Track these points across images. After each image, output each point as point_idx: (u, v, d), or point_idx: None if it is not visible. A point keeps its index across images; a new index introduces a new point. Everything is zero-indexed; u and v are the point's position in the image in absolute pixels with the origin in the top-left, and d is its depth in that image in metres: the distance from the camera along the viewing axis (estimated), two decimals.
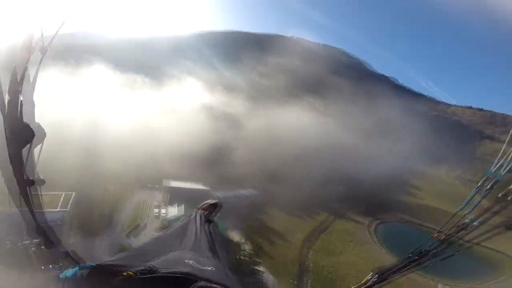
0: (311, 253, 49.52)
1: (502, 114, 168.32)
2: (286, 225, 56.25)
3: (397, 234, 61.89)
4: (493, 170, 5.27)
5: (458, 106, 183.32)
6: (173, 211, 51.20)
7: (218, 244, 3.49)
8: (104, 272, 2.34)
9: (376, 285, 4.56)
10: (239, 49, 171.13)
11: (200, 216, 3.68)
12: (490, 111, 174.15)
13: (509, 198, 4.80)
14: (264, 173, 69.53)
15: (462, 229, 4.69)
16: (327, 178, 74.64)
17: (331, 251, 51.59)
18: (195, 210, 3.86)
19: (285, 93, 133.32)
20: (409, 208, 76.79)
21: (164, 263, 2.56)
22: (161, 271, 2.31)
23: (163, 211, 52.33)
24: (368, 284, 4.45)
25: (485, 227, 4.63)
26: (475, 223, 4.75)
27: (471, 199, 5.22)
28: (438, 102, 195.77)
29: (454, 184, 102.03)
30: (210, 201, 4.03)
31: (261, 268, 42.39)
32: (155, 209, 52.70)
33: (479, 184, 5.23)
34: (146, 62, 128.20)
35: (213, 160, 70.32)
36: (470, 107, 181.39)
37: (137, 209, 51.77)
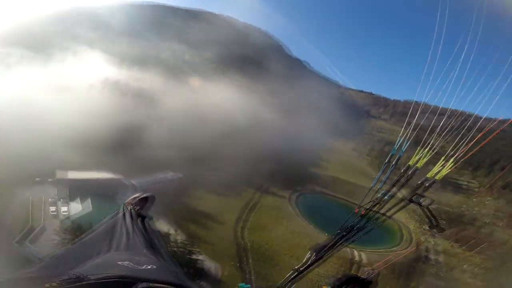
0: (246, 232, 49.52)
1: (384, 97, 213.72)
2: (216, 207, 54.48)
3: (314, 205, 67.78)
4: (396, 148, 5.61)
5: (354, 90, 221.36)
6: (77, 207, 43.23)
7: (156, 240, 3.21)
8: (24, 285, 2.07)
9: (315, 263, 4.46)
10: (161, 22, 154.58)
11: (130, 212, 3.32)
12: (376, 94, 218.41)
13: (409, 172, 5.15)
14: (188, 154, 65.13)
15: (377, 203, 4.93)
16: (251, 155, 75.89)
17: (262, 227, 52.49)
18: (122, 206, 3.47)
19: (209, 70, 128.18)
20: (320, 179, 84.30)
21: (93, 268, 2.25)
22: (91, 278, 1.98)
23: (63, 208, 43.61)
24: (308, 263, 4.50)
25: (393, 201, 4.93)
26: (386, 197, 5.02)
27: (381, 174, 5.48)
28: (339, 86, 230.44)
29: (351, 155, 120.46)
30: (141, 195, 3.67)
31: (200, 257, 40.13)
32: (51, 207, 43.38)
33: (386, 160, 5.50)
34: (31, 35, 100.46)
35: (124, 144, 61.06)
36: (362, 91, 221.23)
37: (28, 209, 41.48)
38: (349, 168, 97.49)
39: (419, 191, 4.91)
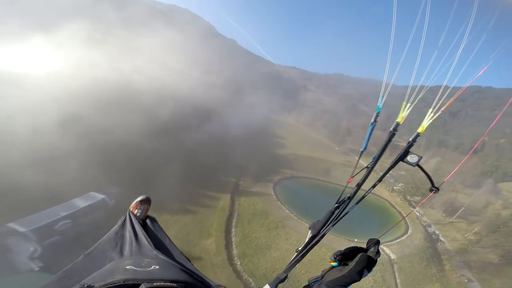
0: (237, 261, 36.15)
1: (314, 72, 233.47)
2: (182, 231, 38.19)
3: (301, 197, 56.38)
4: (380, 106, 5.10)
5: (285, 66, 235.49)
6: None
7: (163, 238, 3.34)
8: None
9: (317, 241, 4.36)
10: None
11: (134, 216, 3.42)
12: (302, 69, 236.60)
13: (393, 131, 4.71)
14: (102, 160, 43.38)
15: (367, 167, 4.42)
16: (204, 147, 62.00)
17: (257, 246, 39.42)
18: (127, 212, 3.50)
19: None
20: (288, 161, 73.04)
21: (100, 276, 2.34)
22: (96, 286, 2.08)
23: None
24: (311, 243, 4.22)
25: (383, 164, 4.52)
26: (372, 161, 4.52)
27: (370, 136, 4.87)
28: (267, 62, 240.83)
29: (300, 128, 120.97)
30: (139, 199, 3.68)
31: None
32: None
33: (372, 120, 4.86)
34: None
35: None
36: (294, 67, 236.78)
37: None
38: (309, 142, 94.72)
39: (407, 149, 4.64)
